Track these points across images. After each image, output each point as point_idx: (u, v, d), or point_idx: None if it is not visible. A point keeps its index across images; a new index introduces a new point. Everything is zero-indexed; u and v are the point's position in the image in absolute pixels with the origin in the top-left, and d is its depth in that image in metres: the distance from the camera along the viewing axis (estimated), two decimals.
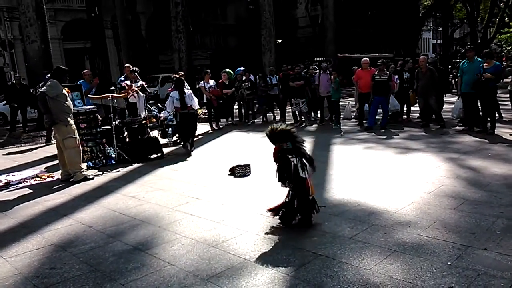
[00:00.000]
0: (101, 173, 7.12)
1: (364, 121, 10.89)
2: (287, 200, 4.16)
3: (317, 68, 12.37)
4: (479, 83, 8.37)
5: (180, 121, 8.67)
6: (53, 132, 8.35)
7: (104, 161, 7.70)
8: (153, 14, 32.12)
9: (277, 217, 4.21)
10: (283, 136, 4.06)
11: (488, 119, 8.71)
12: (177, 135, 9.93)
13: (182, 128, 8.78)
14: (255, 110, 13.49)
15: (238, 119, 13.23)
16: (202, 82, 12.31)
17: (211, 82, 12.31)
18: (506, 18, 32.85)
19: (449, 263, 3.22)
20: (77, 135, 6.71)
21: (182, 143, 9.14)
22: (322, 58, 17.92)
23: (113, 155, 7.84)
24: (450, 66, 20.18)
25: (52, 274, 3.43)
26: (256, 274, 3.23)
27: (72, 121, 6.63)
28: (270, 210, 4.28)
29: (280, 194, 5.26)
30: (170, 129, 9.82)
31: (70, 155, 6.54)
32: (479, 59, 8.86)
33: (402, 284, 2.96)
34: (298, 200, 4.06)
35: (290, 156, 4.01)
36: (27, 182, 6.71)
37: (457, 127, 9.61)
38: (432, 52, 54.69)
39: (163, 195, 5.60)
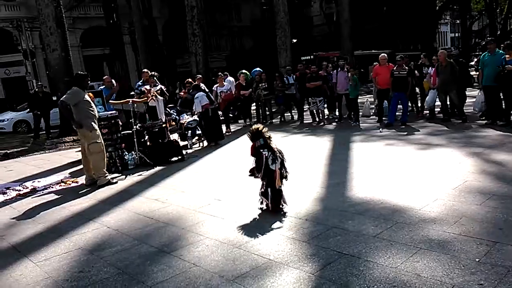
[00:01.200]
0: (124, 176, 7.23)
1: (383, 118, 10.78)
2: (262, 190, 4.73)
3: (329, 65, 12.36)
4: (501, 75, 8.21)
5: (211, 117, 9.53)
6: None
7: (120, 168, 7.71)
8: (169, 18, 32.43)
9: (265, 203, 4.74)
10: (256, 135, 4.72)
11: None
12: (196, 138, 10.05)
13: (212, 124, 9.62)
14: (273, 110, 13.52)
15: (256, 119, 13.26)
16: (215, 86, 12.29)
17: (226, 84, 12.29)
18: None
19: (477, 259, 3.17)
20: (102, 140, 6.82)
21: (208, 141, 9.53)
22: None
23: (131, 162, 7.90)
24: (470, 59, 19.78)
25: (81, 277, 3.51)
26: (281, 274, 3.23)
27: (96, 126, 6.74)
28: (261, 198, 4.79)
29: (300, 192, 5.27)
30: (189, 131, 9.90)
31: (96, 160, 6.64)
32: (500, 51, 8.68)
33: (430, 282, 2.92)
34: (271, 189, 4.63)
35: (261, 150, 4.65)
36: (52, 187, 6.86)
37: (480, 121, 9.43)
38: (450, 46, 53.75)
39: (185, 197, 5.66)
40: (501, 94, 8.66)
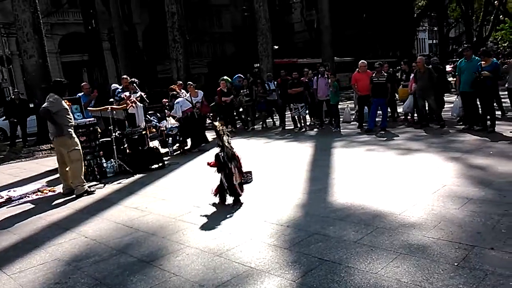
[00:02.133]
0: (103, 185, 7.10)
1: (364, 124, 10.89)
2: (220, 184, 5.23)
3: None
4: (477, 81, 8.38)
5: (194, 122, 9.69)
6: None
7: (98, 176, 7.56)
8: (150, 24, 32.27)
9: (217, 196, 5.28)
10: (217, 135, 5.26)
11: (488, 117, 8.71)
12: (177, 145, 9.97)
13: (195, 129, 9.76)
14: (256, 116, 13.53)
15: (241, 124, 13.19)
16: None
17: (200, 95, 10.93)
18: (501, 16, 33.00)
19: (456, 263, 3.20)
20: (80, 147, 6.69)
21: (191, 147, 9.49)
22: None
23: (110, 170, 7.76)
24: (447, 65, 20.20)
25: None
26: (263, 282, 3.20)
27: (74, 134, 6.62)
28: (214, 192, 5.31)
29: (281, 198, 5.26)
30: (170, 138, 9.81)
31: (76, 168, 6.50)
32: (476, 57, 8.88)
33: (410, 287, 2.93)
34: (227, 184, 5.15)
35: (219, 150, 5.23)
36: (28, 197, 6.69)
37: (457, 126, 9.61)
38: (428, 52, 54.84)
39: (166, 205, 5.58)
40: (477, 100, 8.84)
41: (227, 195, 5.25)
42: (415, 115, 10.96)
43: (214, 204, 5.33)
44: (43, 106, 6.45)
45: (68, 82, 6.91)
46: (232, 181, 5.15)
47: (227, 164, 5.12)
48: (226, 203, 5.26)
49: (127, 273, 3.59)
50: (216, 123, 5.40)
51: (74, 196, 6.46)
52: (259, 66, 17.21)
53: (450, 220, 4.08)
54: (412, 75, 10.62)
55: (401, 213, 4.39)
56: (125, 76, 10.14)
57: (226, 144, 5.18)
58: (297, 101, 11.68)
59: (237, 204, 5.21)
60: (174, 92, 10.32)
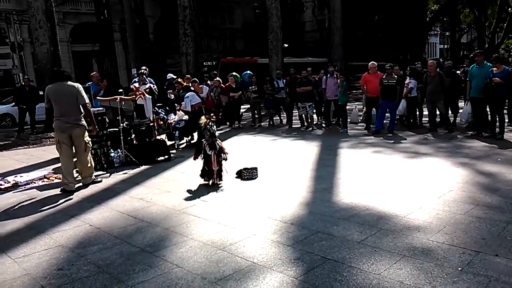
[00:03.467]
0: (109, 174, 7.13)
1: (371, 125, 10.84)
2: (203, 166, 6.16)
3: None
4: (488, 87, 8.31)
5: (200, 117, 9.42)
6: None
7: (105, 165, 7.57)
8: (161, 18, 32.27)
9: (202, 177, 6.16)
10: (203, 128, 6.19)
11: (497, 124, 8.64)
12: (187, 139, 10.00)
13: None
14: (262, 113, 13.52)
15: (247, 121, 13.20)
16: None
17: (205, 90, 11.48)
18: None
19: (459, 268, 3.18)
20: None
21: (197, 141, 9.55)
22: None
23: (116, 160, 7.79)
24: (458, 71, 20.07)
25: (60, 275, 3.43)
26: (264, 278, 3.21)
27: None
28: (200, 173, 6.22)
29: (286, 196, 5.26)
30: (177, 132, 9.83)
31: (89, 158, 6.42)
32: (488, 63, 8.80)
33: None
34: (206, 167, 6.10)
35: (203, 139, 6.24)
36: (35, 183, 6.74)
37: (466, 132, 9.54)
38: (439, 57, 54.49)
39: (170, 197, 5.60)
40: (487, 106, 8.77)
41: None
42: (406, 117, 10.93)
43: (218, 198, 5.35)
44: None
45: (69, 73, 6.62)
46: (210, 165, 6.02)
47: (206, 150, 6.05)
48: (207, 182, 6.15)
49: (129, 262, 3.61)
50: (202, 119, 6.37)
51: (81, 185, 6.43)
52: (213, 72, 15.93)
53: (455, 224, 4.06)
54: (408, 78, 10.60)
55: (406, 216, 4.38)
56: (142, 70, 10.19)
57: (207, 135, 6.10)
58: (305, 100, 11.65)
59: (211, 183, 6.11)
60: (185, 84, 10.36)
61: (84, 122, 6.27)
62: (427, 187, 5.42)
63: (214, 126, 6.23)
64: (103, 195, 5.87)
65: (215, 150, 6.03)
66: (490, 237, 3.73)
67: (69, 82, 6.22)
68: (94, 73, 9.92)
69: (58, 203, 5.57)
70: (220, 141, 6.30)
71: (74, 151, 6.26)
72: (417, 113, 11.16)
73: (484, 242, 3.63)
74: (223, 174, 6.20)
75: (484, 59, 8.92)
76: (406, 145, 8.60)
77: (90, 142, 6.47)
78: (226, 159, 6.21)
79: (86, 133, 6.35)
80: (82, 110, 6.23)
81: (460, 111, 10.42)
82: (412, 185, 5.57)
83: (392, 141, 9.10)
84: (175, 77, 10.11)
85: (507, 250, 3.45)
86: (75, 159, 6.37)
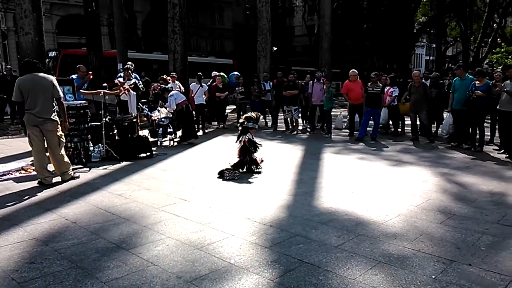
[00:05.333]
0: (88, 169, 7.03)
1: (355, 132, 10.93)
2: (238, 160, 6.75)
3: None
4: (470, 100, 8.46)
5: (186, 115, 9.67)
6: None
7: (84, 159, 7.46)
8: (150, 13, 32.08)
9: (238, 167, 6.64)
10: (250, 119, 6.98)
11: (477, 136, 8.80)
12: (171, 136, 9.93)
13: (186, 122, 9.77)
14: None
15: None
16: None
17: (194, 89, 11.79)
18: (499, 39, 33.39)
19: (433, 276, 3.22)
20: None
21: (181, 140, 9.45)
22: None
23: (96, 154, 7.67)
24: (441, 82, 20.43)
25: (32, 268, 3.36)
26: (240, 279, 3.19)
27: None
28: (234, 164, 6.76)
29: (267, 198, 5.26)
30: (160, 129, 9.75)
31: (62, 153, 6.19)
32: (470, 76, 8.96)
33: None
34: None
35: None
36: (12, 174, 6.60)
37: (447, 143, 9.69)
38: (424, 68, 55.34)
39: (149, 194, 5.54)
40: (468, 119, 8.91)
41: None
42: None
43: (198, 197, 5.32)
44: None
45: (38, 63, 6.18)
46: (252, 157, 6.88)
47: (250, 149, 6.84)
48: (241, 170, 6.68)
49: (104, 258, 3.55)
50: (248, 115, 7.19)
51: (60, 180, 6.23)
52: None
53: (431, 233, 4.11)
54: (387, 88, 10.77)
55: (383, 223, 4.41)
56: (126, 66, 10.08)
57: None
58: (291, 104, 11.70)
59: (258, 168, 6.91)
60: (164, 85, 10.22)
61: (56, 118, 6.01)
62: (406, 195, 5.48)
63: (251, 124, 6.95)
64: (81, 190, 5.78)
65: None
66: (464, 247, 3.78)
67: (42, 74, 5.96)
68: (80, 66, 9.67)
69: (35, 195, 5.47)
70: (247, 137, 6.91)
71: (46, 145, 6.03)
72: (400, 122, 11.34)
73: (459, 252, 3.68)
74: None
75: (466, 72, 9.08)
76: (389, 153, 8.70)
77: (63, 137, 6.20)
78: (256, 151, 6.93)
79: (59, 128, 6.08)
80: (56, 104, 6.01)
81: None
82: (392, 193, 5.63)
83: (375, 148, 9.19)
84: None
85: (480, 260, 3.51)
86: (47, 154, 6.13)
